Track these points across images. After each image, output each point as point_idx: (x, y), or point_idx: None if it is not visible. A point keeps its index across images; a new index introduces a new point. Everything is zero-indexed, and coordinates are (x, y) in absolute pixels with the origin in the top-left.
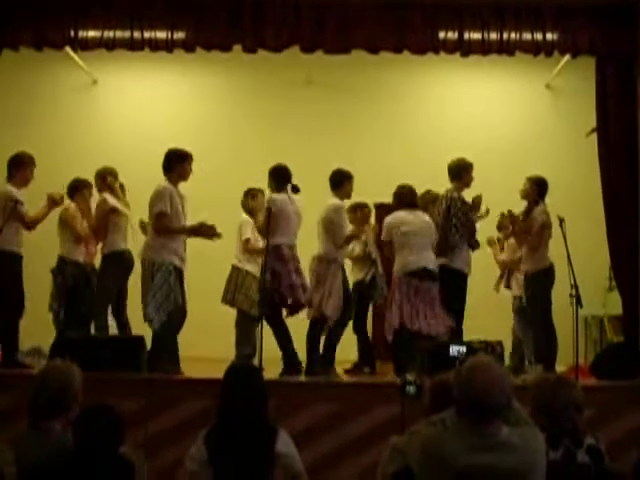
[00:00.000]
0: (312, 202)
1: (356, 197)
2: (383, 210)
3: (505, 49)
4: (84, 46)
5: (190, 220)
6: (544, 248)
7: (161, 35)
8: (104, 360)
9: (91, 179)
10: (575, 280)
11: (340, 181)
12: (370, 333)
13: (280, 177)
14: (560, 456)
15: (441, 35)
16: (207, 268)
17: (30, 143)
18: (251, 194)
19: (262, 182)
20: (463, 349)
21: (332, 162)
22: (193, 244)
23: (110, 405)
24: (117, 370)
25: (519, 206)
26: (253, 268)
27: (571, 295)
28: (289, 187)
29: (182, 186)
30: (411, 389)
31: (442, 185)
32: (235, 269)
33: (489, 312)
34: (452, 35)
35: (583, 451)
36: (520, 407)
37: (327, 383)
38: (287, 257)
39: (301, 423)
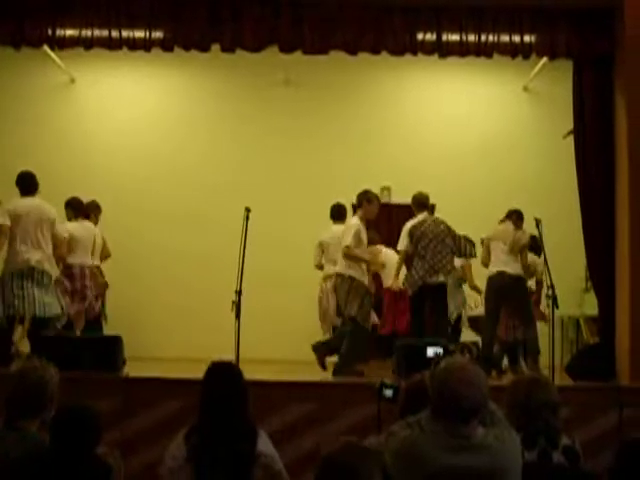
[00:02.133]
0: (287, 204)
1: (332, 197)
2: None
3: (483, 51)
4: (62, 45)
5: (165, 226)
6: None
7: (139, 34)
8: (81, 360)
9: (69, 178)
10: (552, 281)
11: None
12: None
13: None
14: (536, 457)
15: (419, 36)
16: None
17: (7, 142)
18: (367, 198)
19: (237, 184)
20: (440, 350)
21: (310, 162)
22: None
23: (87, 405)
24: (94, 370)
25: (498, 207)
26: (356, 274)
27: (547, 296)
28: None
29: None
30: (388, 392)
31: (422, 188)
32: (339, 276)
33: None
34: (430, 37)
35: (559, 452)
36: (496, 408)
37: (305, 382)
38: None
39: (280, 422)
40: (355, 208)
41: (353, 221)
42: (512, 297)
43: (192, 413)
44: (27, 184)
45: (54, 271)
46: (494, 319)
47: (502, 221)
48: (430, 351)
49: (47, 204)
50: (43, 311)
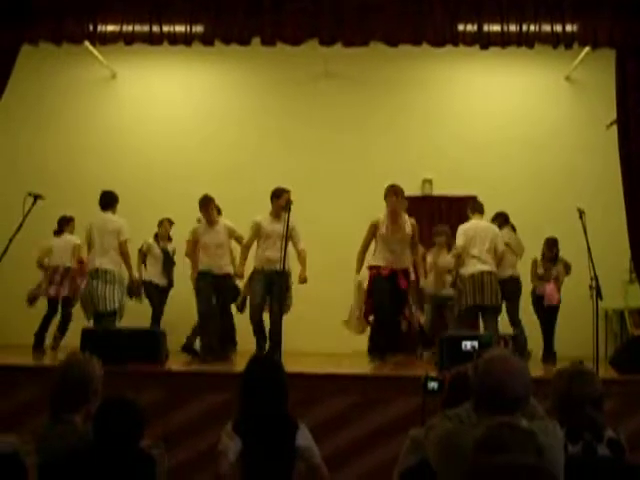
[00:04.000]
0: (331, 196)
1: (374, 190)
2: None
3: (524, 41)
4: (103, 40)
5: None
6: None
7: (180, 29)
8: (124, 353)
9: (109, 174)
10: (595, 272)
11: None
12: None
13: None
14: (580, 450)
15: (460, 27)
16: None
17: (50, 137)
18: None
19: (284, 176)
20: (475, 343)
21: (351, 155)
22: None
23: (130, 398)
24: (137, 363)
25: (539, 195)
26: None
27: (591, 287)
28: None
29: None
30: (433, 385)
31: (464, 179)
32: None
33: None
34: (471, 27)
35: (603, 444)
36: (536, 402)
37: (349, 375)
38: None
39: (321, 415)
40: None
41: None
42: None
43: (235, 406)
44: (102, 202)
45: (119, 272)
46: None
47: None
48: (466, 344)
49: (114, 217)
50: (104, 306)
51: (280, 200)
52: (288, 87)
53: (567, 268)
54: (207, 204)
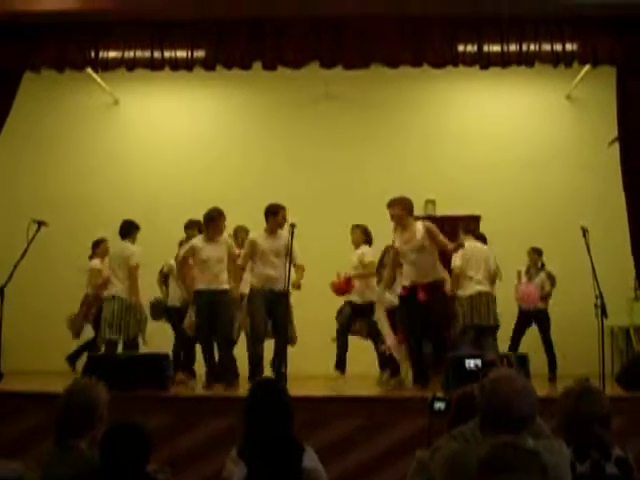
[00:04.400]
0: (335, 216)
1: (375, 211)
2: None
3: (524, 60)
4: (105, 66)
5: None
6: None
7: (181, 54)
8: (130, 378)
9: (113, 200)
10: (600, 290)
11: None
12: None
13: None
14: (589, 468)
15: (460, 48)
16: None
17: (51, 163)
18: None
19: (289, 198)
20: (478, 362)
21: (353, 176)
22: None
23: (137, 422)
24: (143, 388)
25: (542, 213)
26: None
27: (596, 305)
28: None
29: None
30: (440, 405)
31: (464, 200)
32: None
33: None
34: (471, 48)
35: (611, 463)
36: (542, 421)
37: (354, 397)
38: None
39: (328, 437)
40: None
41: None
42: None
43: (239, 431)
44: (122, 230)
45: (132, 297)
46: None
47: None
48: (469, 363)
49: (129, 245)
50: (116, 333)
51: (277, 217)
52: (290, 109)
53: (552, 279)
54: (217, 218)
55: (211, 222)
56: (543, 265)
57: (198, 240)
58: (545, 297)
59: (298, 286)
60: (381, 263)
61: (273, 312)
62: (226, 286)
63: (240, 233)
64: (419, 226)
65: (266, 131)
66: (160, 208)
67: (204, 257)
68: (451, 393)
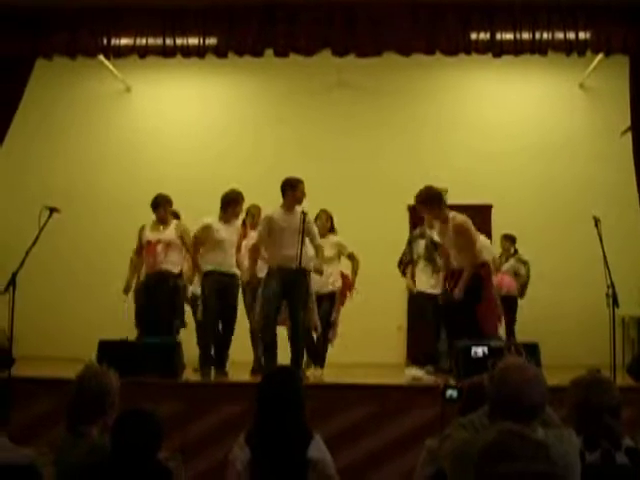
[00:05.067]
0: (349, 204)
1: (389, 199)
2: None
3: (537, 49)
4: (117, 53)
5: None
6: None
7: (193, 41)
8: (141, 365)
9: (123, 188)
10: (611, 280)
11: None
12: None
13: None
14: (599, 458)
15: (473, 36)
16: None
17: (62, 151)
18: None
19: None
20: (485, 350)
21: (365, 164)
22: None
23: (148, 409)
24: (154, 375)
25: (553, 203)
26: None
27: (607, 295)
28: None
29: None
30: (452, 394)
31: (476, 188)
32: None
33: None
34: (484, 35)
35: (622, 453)
36: (551, 410)
37: (366, 385)
38: None
39: (338, 426)
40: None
41: None
42: None
43: (250, 417)
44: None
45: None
46: None
47: None
48: (476, 351)
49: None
50: None
51: (296, 192)
52: (302, 97)
53: (524, 264)
54: (238, 200)
55: (230, 204)
56: (516, 251)
57: (214, 220)
58: (523, 285)
59: (319, 269)
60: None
61: (291, 291)
62: (236, 270)
63: (253, 210)
64: (449, 221)
65: (278, 119)
66: (171, 196)
67: (219, 238)
68: (463, 381)
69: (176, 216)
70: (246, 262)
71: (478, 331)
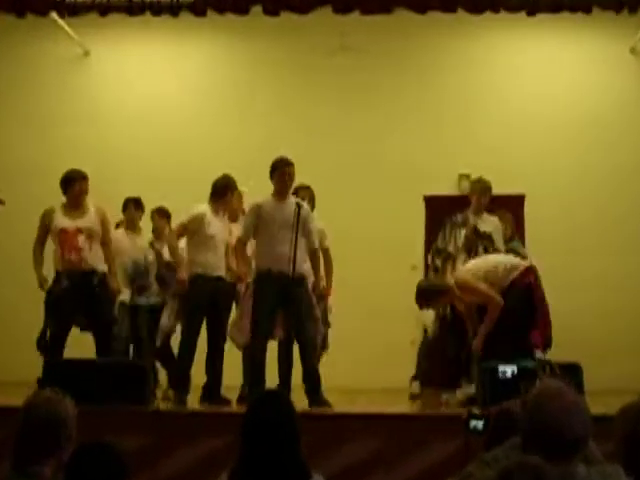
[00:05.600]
0: (352, 193)
1: (400, 191)
2: (436, 203)
3: (580, 6)
4: (73, 11)
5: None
6: None
7: None
8: (102, 389)
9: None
10: None
11: None
12: None
13: None
14: None
15: None
16: None
17: (16, 121)
18: None
19: (298, 170)
20: (514, 370)
21: (371, 142)
22: None
23: (110, 443)
24: (118, 402)
25: (594, 188)
26: None
27: None
28: None
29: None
30: (477, 424)
31: (508, 174)
32: None
33: None
34: None
35: None
36: (593, 445)
37: (372, 414)
38: None
39: (341, 462)
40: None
41: None
42: None
43: (234, 453)
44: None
45: None
46: None
47: None
48: (503, 372)
49: None
50: None
51: (283, 174)
52: (298, 65)
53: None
54: (231, 189)
55: (222, 192)
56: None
57: (207, 210)
58: None
59: (320, 291)
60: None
61: (288, 301)
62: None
63: (155, 218)
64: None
65: (269, 90)
66: (138, 182)
67: (210, 233)
68: (489, 409)
69: (164, 215)
70: (234, 263)
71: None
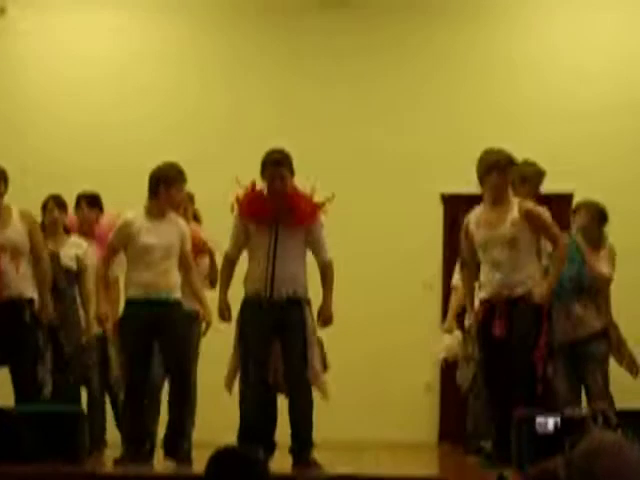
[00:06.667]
0: (349, 192)
1: (413, 185)
2: (455, 203)
3: None
4: None
5: None
6: None
7: None
8: (26, 445)
9: None
10: None
11: None
12: None
13: None
14: None
15: None
16: None
17: None
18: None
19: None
20: (557, 421)
21: (369, 125)
22: None
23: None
24: (45, 460)
25: None
26: None
27: None
28: None
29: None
30: None
31: (543, 163)
32: None
33: None
34: None
35: None
36: None
37: (377, 477)
38: None
39: None
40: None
41: None
42: None
43: None
44: None
45: None
46: None
47: None
48: (542, 424)
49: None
50: None
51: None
52: (269, 21)
53: None
54: (174, 181)
55: (162, 186)
56: None
57: (136, 215)
58: None
59: (328, 318)
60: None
61: (284, 332)
62: (178, 294)
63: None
64: (517, 206)
65: (233, 57)
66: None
67: (143, 243)
68: (525, 473)
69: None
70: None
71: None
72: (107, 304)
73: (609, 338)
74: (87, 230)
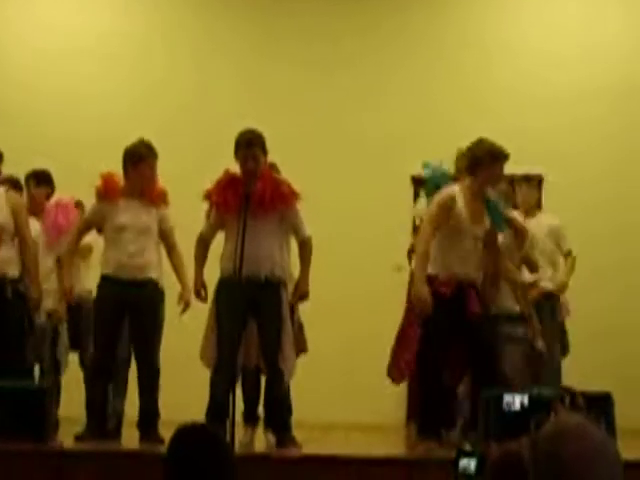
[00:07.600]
0: (321, 173)
1: (384, 166)
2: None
3: None
4: None
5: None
6: None
7: None
8: None
9: None
10: None
11: None
12: None
13: None
14: None
15: None
16: None
17: None
18: None
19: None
20: (524, 400)
21: (338, 102)
22: None
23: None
24: (10, 438)
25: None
26: None
27: None
28: None
29: None
30: (467, 464)
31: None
32: None
33: None
34: None
35: None
36: None
37: (345, 457)
38: None
39: None
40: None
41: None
42: None
43: None
44: None
45: None
46: None
47: None
48: (510, 402)
49: None
50: None
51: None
52: (240, 1)
53: None
54: (148, 157)
55: (135, 165)
56: None
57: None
58: None
59: (304, 293)
60: None
61: (259, 314)
62: (153, 274)
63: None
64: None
65: (203, 33)
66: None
67: (119, 223)
68: (486, 445)
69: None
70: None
71: None
72: (71, 278)
73: None
74: (35, 208)
